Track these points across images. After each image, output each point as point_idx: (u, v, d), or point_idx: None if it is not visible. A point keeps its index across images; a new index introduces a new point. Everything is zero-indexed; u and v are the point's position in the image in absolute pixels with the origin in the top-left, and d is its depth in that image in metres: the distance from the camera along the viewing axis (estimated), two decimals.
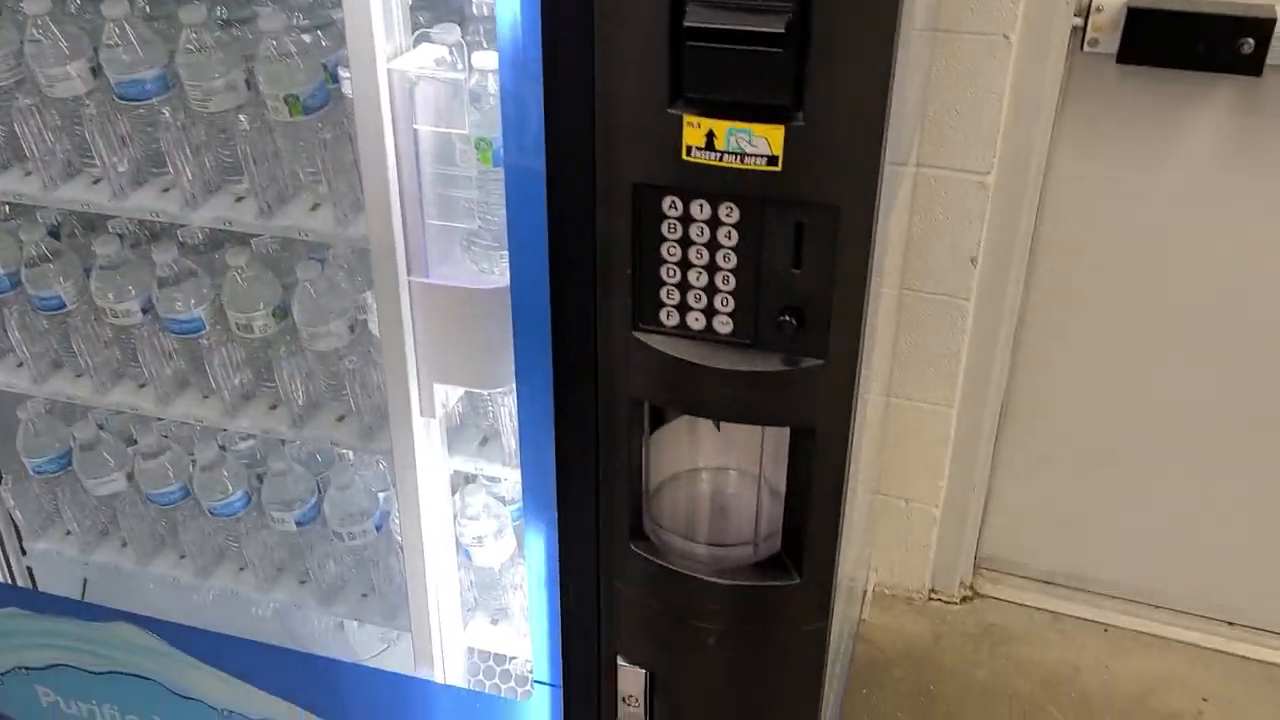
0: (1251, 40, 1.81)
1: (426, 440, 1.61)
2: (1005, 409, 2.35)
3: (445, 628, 1.77)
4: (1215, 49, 1.84)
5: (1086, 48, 1.95)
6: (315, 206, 1.59)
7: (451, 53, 1.38)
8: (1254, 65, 1.83)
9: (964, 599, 2.51)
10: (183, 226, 1.65)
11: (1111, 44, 1.91)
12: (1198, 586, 2.39)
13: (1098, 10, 1.90)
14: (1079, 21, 1.93)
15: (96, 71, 1.57)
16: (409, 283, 1.48)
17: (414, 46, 1.38)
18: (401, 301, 1.48)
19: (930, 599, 2.52)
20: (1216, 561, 2.35)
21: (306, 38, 1.52)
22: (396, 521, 1.82)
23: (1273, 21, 1.80)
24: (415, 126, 1.39)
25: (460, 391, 1.65)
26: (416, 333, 1.51)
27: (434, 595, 1.73)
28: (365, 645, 2.05)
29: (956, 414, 2.29)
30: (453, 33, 1.39)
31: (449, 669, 1.80)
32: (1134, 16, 1.87)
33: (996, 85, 1.96)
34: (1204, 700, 2.26)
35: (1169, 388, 2.22)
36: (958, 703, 2.27)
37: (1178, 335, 2.17)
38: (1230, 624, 2.40)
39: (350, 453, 1.86)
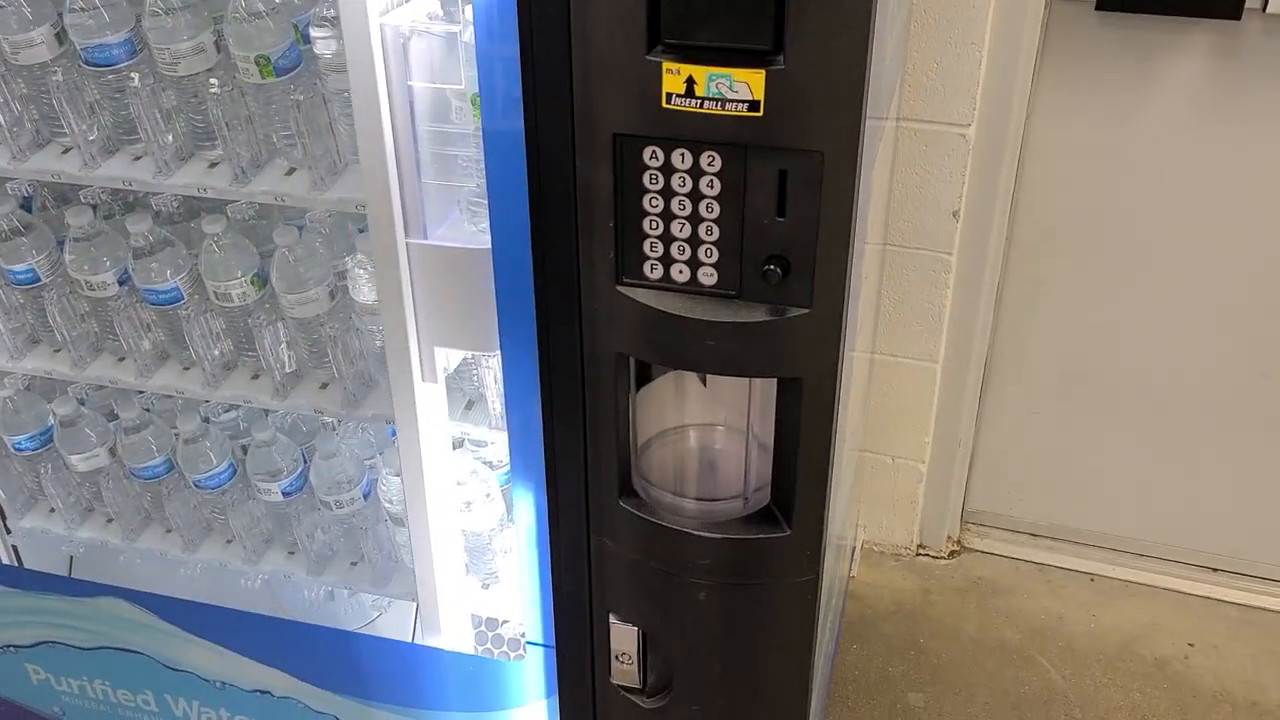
0: None
1: (428, 406, 1.60)
2: (989, 363, 2.36)
3: (450, 594, 1.76)
4: None
5: None
6: (291, 171, 1.57)
7: (444, 6, 1.35)
8: (1232, 8, 1.83)
9: (951, 553, 2.53)
10: (157, 195, 1.62)
11: None
12: (1181, 534, 2.42)
13: None
14: None
15: (62, 37, 1.54)
16: (407, 245, 1.46)
17: (405, 1, 1.36)
18: (400, 264, 1.46)
19: (918, 554, 2.53)
20: (1199, 509, 2.37)
21: None
22: (384, 488, 1.81)
23: None
24: (409, 83, 1.36)
25: (460, 355, 1.63)
26: (416, 296, 1.49)
27: (440, 562, 1.72)
28: (357, 614, 2.05)
29: (941, 369, 2.30)
30: None
31: (453, 635, 1.80)
32: None
33: (976, 36, 1.95)
34: (1190, 645, 2.29)
35: (1151, 338, 2.23)
36: (947, 655, 2.29)
37: (1160, 284, 2.17)
38: (1213, 570, 2.42)
39: (335, 420, 1.85)
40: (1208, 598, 2.38)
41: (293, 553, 1.93)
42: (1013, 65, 1.99)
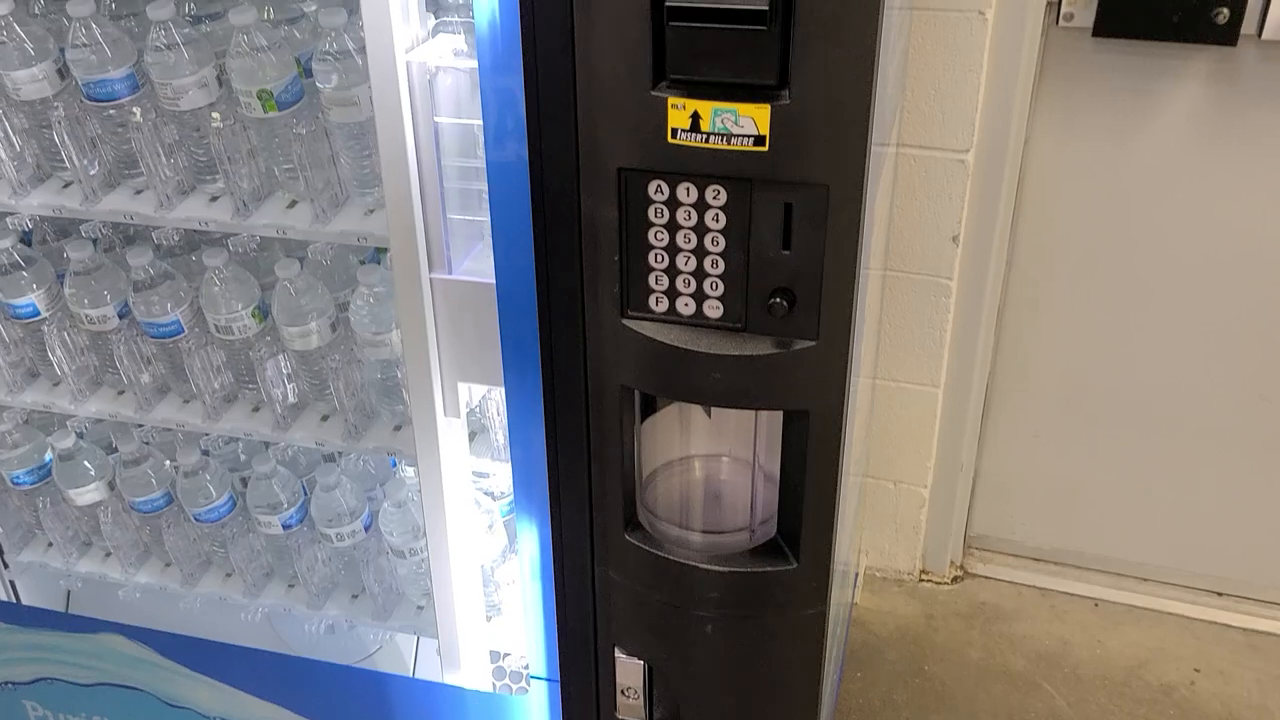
0: (1226, 10, 1.81)
1: (450, 441, 1.59)
2: (991, 387, 2.35)
3: (467, 630, 1.75)
4: (1190, 20, 1.85)
5: (1062, 22, 1.95)
6: (293, 204, 1.57)
7: (469, 41, 1.35)
8: (1229, 35, 1.84)
9: (955, 579, 2.52)
10: (158, 228, 1.62)
11: (1086, 18, 1.92)
12: (1185, 558, 2.41)
13: None
14: None
15: (64, 73, 1.54)
16: (430, 280, 1.45)
17: (432, 37, 1.36)
18: (424, 299, 1.46)
19: (921, 580, 2.52)
20: (1203, 532, 2.37)
21: (278, 32, 1.50)
22: (385, 520, 1.80)
23: None
24: (435, 119, 1.36)
25: (482, 390, 1.62)
26: (439, 331, 1.49)
27: (460, 598, 1.71)
28: (356, 647, 2.03)
29: (943, 394, 2.29)
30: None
31: (469, 671, 1.78)
32: None
33: (974, 63, 1.96)
34: (1195, 671, 2.27)
35: (1152, 361, 2.23)
36: (952, 683, 2.28)
37: (1160, 308, 2.17)
38: (1218, 594, 2.41)
39: (336, 453, 1.84)
40: (1213, 622, 2.37)
41: (293, 586, 1.91)
42: (1011, 91, 2.00)
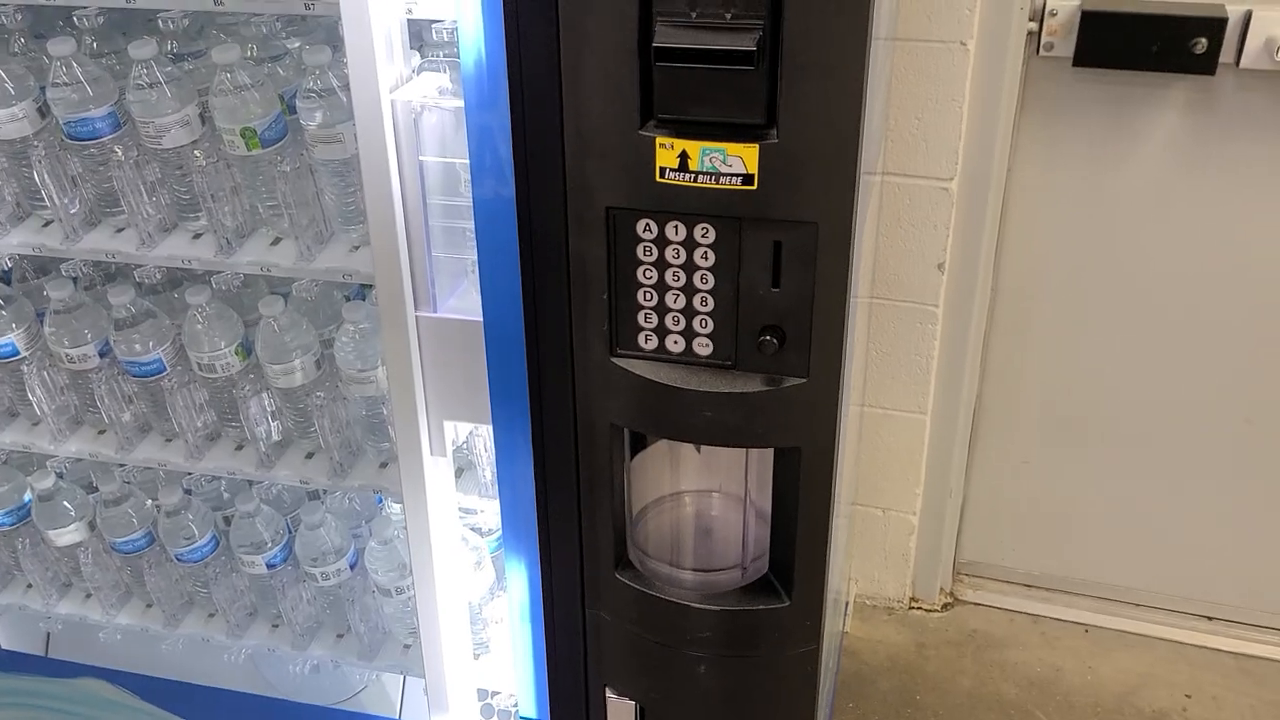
0: (1204, 40, 1.83)
1: (436, 479, 1.58)
2: (978, 413, 2.35)
3: (454, 669, 1.73)
4: (1169, 49, 1.86)
5: (1042, 52, 1.96)
6: (277, 241, 1.56)
7: (454, 80, 1.35)
8: (1207, 64, 1.85)
9: (945, 606, 2.51)
10: (139, 266, 1.60)
11: (1067, 47, 1.93)
12: (1175, 582, 2.41)
13: (1052, 14, 1.91)
14: (1034, 26, 1.94)
15: (44, 111, 1.53)
16: (416, 318, 1.44)
17: (416, 75, 1.36)
18: (410, 337, 1.45)
19: (911, 608, 2.51)
20: (1192, 556, 2.37)
21: (261, 69, 1.49)
22: (371, 559, 1.78)
23: (1224, 21, 1.82)
24: (420, 158, 1.36)
25: (469, 428, 1.61)
26: (425, 368, 1.48)
27: (448, 637, 1.69)
28: (341, 687, 2.00)
29: (930, 420, 2.29)
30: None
31: (457, 710, 1.76)
32: (1087, 19, 1.88)
33: (956, 92, 1.97)
34: (1187, 697, 2.27)
35: (1138, 385, 2.23)
36: (945, 712, 2.26)
37: (1144, 333, 2.18)
38: (1209, 619, 2.41)
39: (321, 490, 1.82)
40: (1204, 647, 2.37)
41: (277, 626, 1.89)
42: (993, 120, 2.01)
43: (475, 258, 1.32)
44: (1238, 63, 1.85)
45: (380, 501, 1.85)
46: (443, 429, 1.53)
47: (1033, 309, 2.22)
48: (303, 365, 1.61)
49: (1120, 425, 2.28)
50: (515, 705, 1.65)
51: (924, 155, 2.03)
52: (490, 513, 1.78)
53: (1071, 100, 2.02)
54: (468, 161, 1.29)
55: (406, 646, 1.85)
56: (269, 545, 1.80)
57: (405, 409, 1.50)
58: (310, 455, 1.71)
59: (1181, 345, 2.17)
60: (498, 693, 1.79)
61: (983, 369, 2.30)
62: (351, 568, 1.81)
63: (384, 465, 1.68)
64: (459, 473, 1.69)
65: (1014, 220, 2.15)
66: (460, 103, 1.27)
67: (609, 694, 1.46)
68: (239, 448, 1.72)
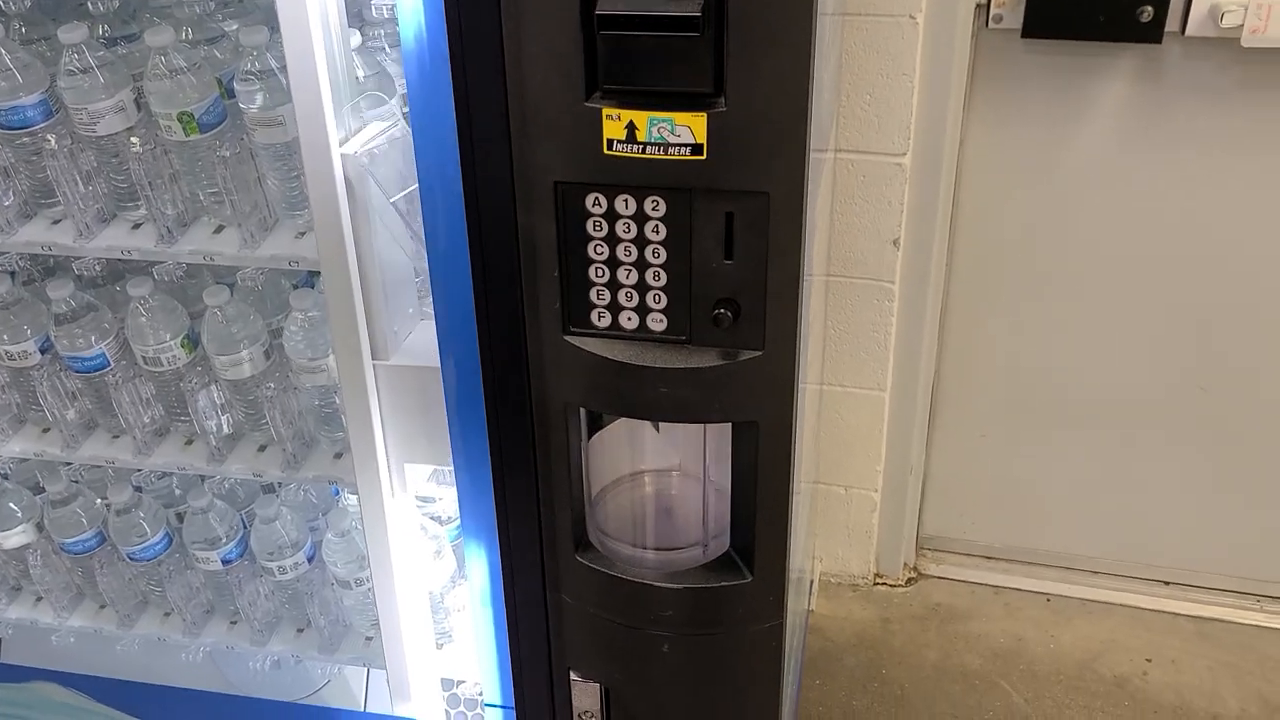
0: (1150, 8, 1.84)
1: (398, 514, 1.57)
2: (936, 389, 2.36)
3: (417, 659, 1.71)
4: (1115, 19, 1.87)
5: (991, 24, 1.96)
6: (219, 229, 1.52)
7: (400, 125, 1.34)
8: (1154, 32, 1.86)
9: (909, 581, 2.52)
10: (78, 259, 1.56)
11: (1015, 19, 1.93)
12: (1133, 549, 2.43)
13: None
14: None
15: None
16: (374, 366, 1.43)
17: (364, 126, 1.34)
18: (368, 386, 1.43)
19: (876, 584, 2.52)
20: (1149, 524, 2.39)
21: (198, 52, 1.45)
22: (329, 551, 1.75)
23: None
24: (371, 203, 1.35)
25: (430, 469, 1.61)
26: (384, 415, 1.46)
27: (408, 627, 1.67)
28: (305, 682, 1.97)
29: (889, 397, 2.29)
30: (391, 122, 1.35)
31: (421, 701, 1.74)
32: None
33: (906, 67, 1.96)
34: (1147, 661, 2.30)
35: (1093, 356, 2.25)
36: (910, 686, 2.27)
37: (1099, 303, 2.20)
38: (1166, 584, 2.44)
39: (275, 483, 1.79)
40: (1162, 612, 2.40)
41: (235, 622, 1.85)
42: (944, 94, 2.01)
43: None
44: (1184, 31, 1.86)
45: (337, 493, 1.82)
46: (404, 473, 1.53)
47: (988, 282, 2.23)
48: (251, 356, 1.58)
49: (1076, 396, 2.30)
50: (480, 693, 1.63)
51: (876, 131, 2.03)
52: (449, 501, 1.75)
53: (1022, 72, 2.02)
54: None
55: (368, 639, 1.82)
56: (224, 541, 1.76)
57: (365, 455, 1.49)
58: (263, 448, 1.68)
59: (1135, 314, 2.19)
60: (463, 681, 1.77)
61: (940, 344, 2.31)
62: (309, 561, 1.78)
63: (338, 456, 1.65)
64: None
65: (967, 194, 2.16)
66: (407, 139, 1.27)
67: (574, 677, 1.44)
68: (189, 442, 1.69)
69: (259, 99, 1.39)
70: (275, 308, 1.64)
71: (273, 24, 1.36)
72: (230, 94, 1.44)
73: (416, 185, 1.30)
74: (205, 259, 1.49)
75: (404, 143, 1.33)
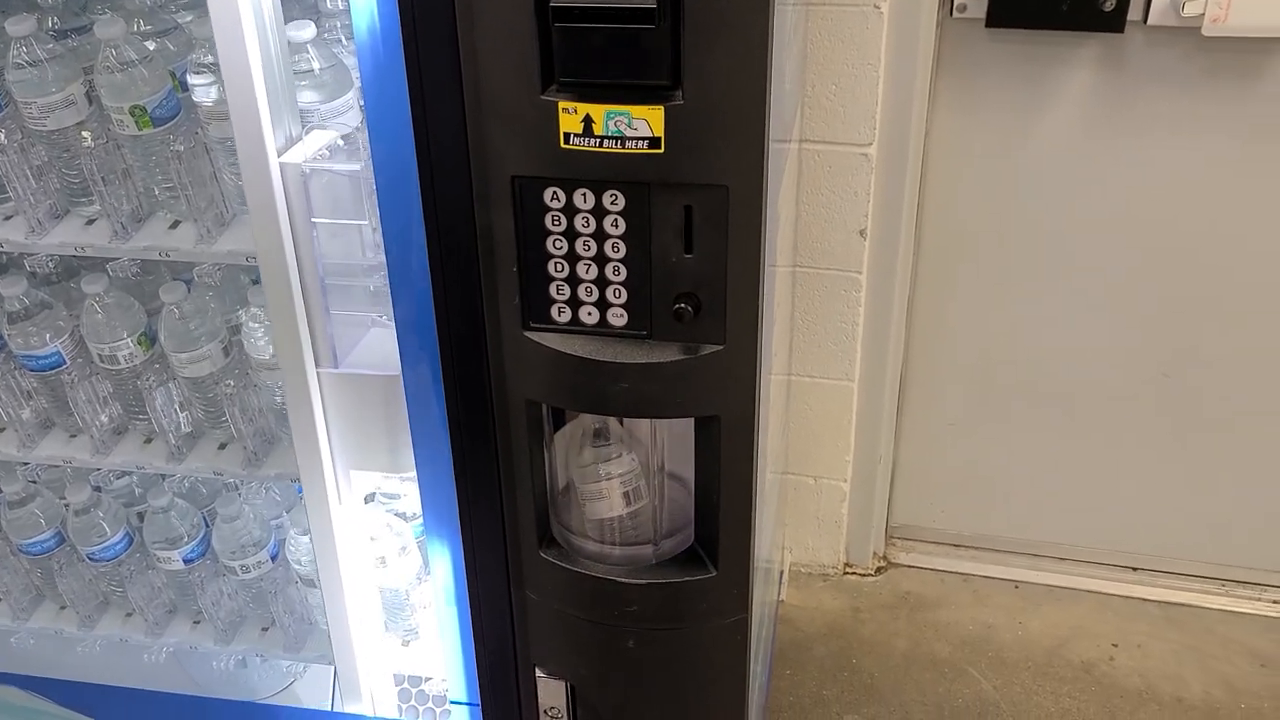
0: None
1: (345, 519, 1.55)
2: (905, 378, 2.37)
3: (369, 657, 1.69)
4: (1078, 8, 1.87)
5: (956, 14, 1.96)
6: (175, 224, 1.49)
7: (346, 140, 1.31)
8: (1116, 22, 1.86)
9: (878, 570, 2.53)
10: (31, 255, 1.53)
11: (979, 9, 1.93)
12: (1100, 535, 2.45)
13: None
14: None
15: None
16: (318, 375, 1.42)
17: (305, 134, 1.32)
18: (312, 395, 1.42)
19: (846, 573, 2.53)
20: (1114, 510, 2.41)
21: (150, 44, 1.42)
22: (293, 549, 1.73)
23: None
24: (313, 220, 1.33)
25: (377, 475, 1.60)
26: (330, 423, 1.45)
27: (356, 625, 1.66)
28: (272, 681, 1.95)
29: (858, 387, 2.30)
30: (348, 115, 1.32)
31: (375, 699, 1.73)
32: None
33: (871, 56, 1.96)
34: (1114, 646, 2.31)
35: (1059, 344, 2.26)
36: (881, 674, 2.28)
37: (1063, 291, 2.21)
38: (1133, 569, 2.46)
39: (237, 481, 1.77)
40: (1129, 597, 2.42)
41: (198, 622, 1.83)
42: (909, 84, 2.00)
43: (374, 314, 1.31)
44: (1145, 20, 1.87)
45: (300, 491, 1.80)
46: (350, 479, 1.52)
47: (954, 272, 2.24)
48: (210, 353, 1.56)
49: (1042, 384, 2.31)
50: (446, 691, 1.62)
51: (842, 121, 2.02)
52: (412, 497, 1.74)
53: (986, 61, 2.02)
54: (364, 223, 1.28)
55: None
56: (185, 540, 1.74)
57: (311, 464, 1.48)
58: (223, 446, 1.66)
59: (1100, 302, 2.20)
60: (430, 678, 1.76)
61: (908, 334, 2.31)
62: (273, 559, 1.76)
63: None
64: None
65: (933, 184, 2.16)
66: (353, 167, 1.24)
67: (539, 674, 1.44)
68: (148, 441, 1.66)
69: (213, 92, 1.37)
70: (234, 303, 1.61)
71: None
72: (184, 87, 1.42)
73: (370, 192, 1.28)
74: (161, 255, 1.47)
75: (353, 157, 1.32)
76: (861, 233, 2.12)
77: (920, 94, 2.03)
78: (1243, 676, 2.24)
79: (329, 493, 1.51)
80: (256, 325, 1.54)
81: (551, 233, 1.15)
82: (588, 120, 1.06)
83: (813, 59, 1.97)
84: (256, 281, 1.61)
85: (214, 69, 1.36)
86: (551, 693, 1.44)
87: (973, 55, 2.02)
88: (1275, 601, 2.39)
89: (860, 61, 1.96)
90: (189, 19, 1.46)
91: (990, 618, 2.40)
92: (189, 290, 1.54)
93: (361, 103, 1.27)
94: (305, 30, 1.33)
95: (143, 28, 1.45)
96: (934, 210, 2.18)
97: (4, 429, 1.68)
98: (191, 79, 1.38)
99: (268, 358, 1.55)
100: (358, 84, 1.37)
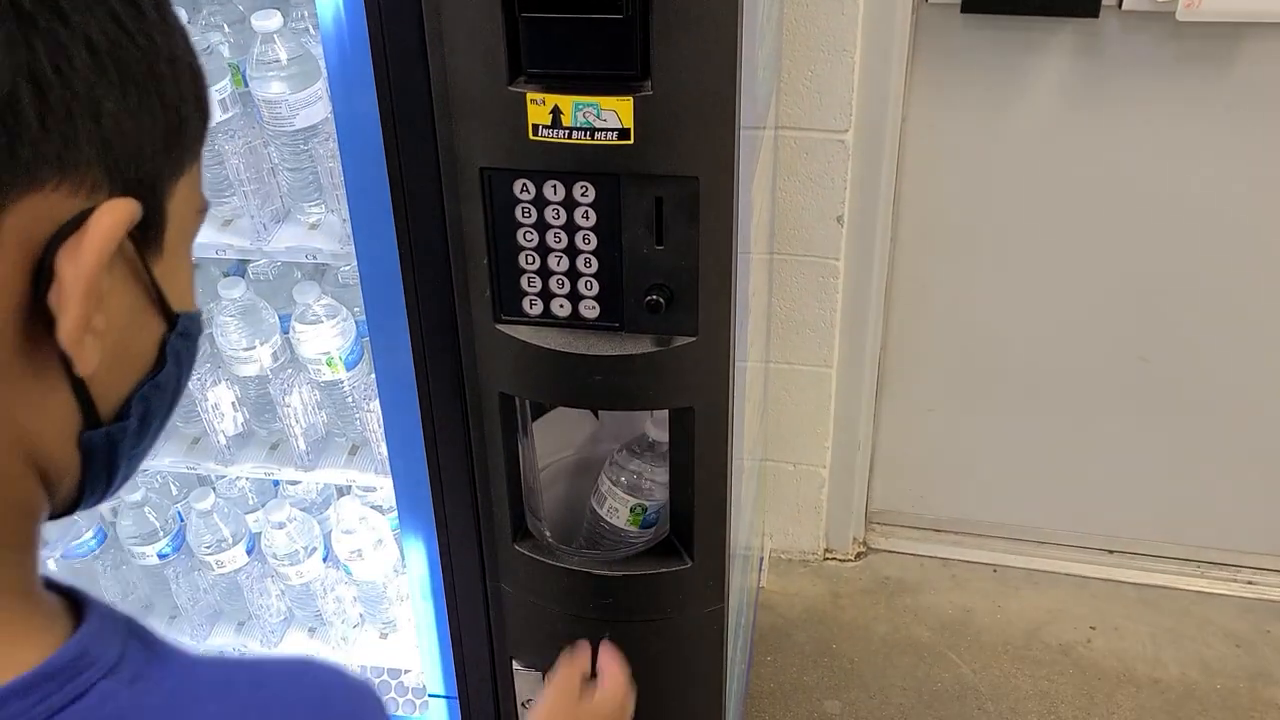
0: None
1: None
2: (883, 364, 2.37)
3: (344, 651, 1.68)
4: None
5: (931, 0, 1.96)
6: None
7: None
8: (1091, 7, 1.86)
9: (858, 555, 2.54)
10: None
11: None
12: (1078, 518, 2.47)
13: None
14: None
15: None
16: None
17: None
18: None
19: (825, 559, 2.53)
20: (1092, 493, 2.43)
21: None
22: (269, 542, 1.72)
23: None
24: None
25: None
26: None
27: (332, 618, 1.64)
28: None
29: (836, 374, 2.30)
30: (316, 107, 1.29)
31: None
32: None
33: (847, 43, 1.95)
34: (1091, 629, 2.33)
35: (1036, 329, 2.27)
36: (861, 659, 2.29)
37: (1040, 276, 2.21)
38: (1110, 552, 2.48)
39: (212, 475, 1.75)
40: (1106, 580, 2.43)
41: (174, 618, 1.82)
42: (885, 70, 2.00)
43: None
44: (1120, 5, 1.86)
45: (276, 485, 1.79)
46: None
47: (932, 258, 2.24)
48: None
49: (1020, 369, 2.31)
50: (424, 684, 1.62)
51: (818, 108, 2.01)
52: (388, 490, 1.73)
53: (962, 47, 2.02)
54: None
55: (312, 630, 1.80)
56: (160, 535, 1.72)
57: None
58: (196, 441, 1.64)
59: (1076, 286, 2.21)
60: (408, 670, 1.75)
61: (886, 320, 2.31)
62: (249, 553, 1.75)
63: (274, 447, 1.62)
64: (354, 450, 1.64)
65: (910, 170, 2.15)
66: None
67: (516, 666, 1.43)
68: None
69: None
70: (207, 297, 1.59)
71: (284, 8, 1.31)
72: (245, 82, 1.39)
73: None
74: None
75: None
76: (839, 219, 2.11)
77: (896, 80, 2.02)
78: (1219, 658, 2.26)
79: None
80: (229, 320, 1.53)
81: (522, 225, 1.14)
82: (556, 111, 1.05)
83: (788, 45, 1.96)
84: (228, 274, 1.60)
85: (281, 65, 1.33)
86: (529, 685, 1.43)
87: (948, 41, 2.02)
88: (1250, 583, 2.41)
89: (835, 47, 1.95)
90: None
91: (969, 601, 2.41)
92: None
93: (329, 93, 1.25)
94: (271, 20, 1.31)
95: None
96: (911, 196, 2.18)
97: None
98: (253, 73, 1.33)
99: (242, 351, 1.54)
100: (325, 75, 1.35)
